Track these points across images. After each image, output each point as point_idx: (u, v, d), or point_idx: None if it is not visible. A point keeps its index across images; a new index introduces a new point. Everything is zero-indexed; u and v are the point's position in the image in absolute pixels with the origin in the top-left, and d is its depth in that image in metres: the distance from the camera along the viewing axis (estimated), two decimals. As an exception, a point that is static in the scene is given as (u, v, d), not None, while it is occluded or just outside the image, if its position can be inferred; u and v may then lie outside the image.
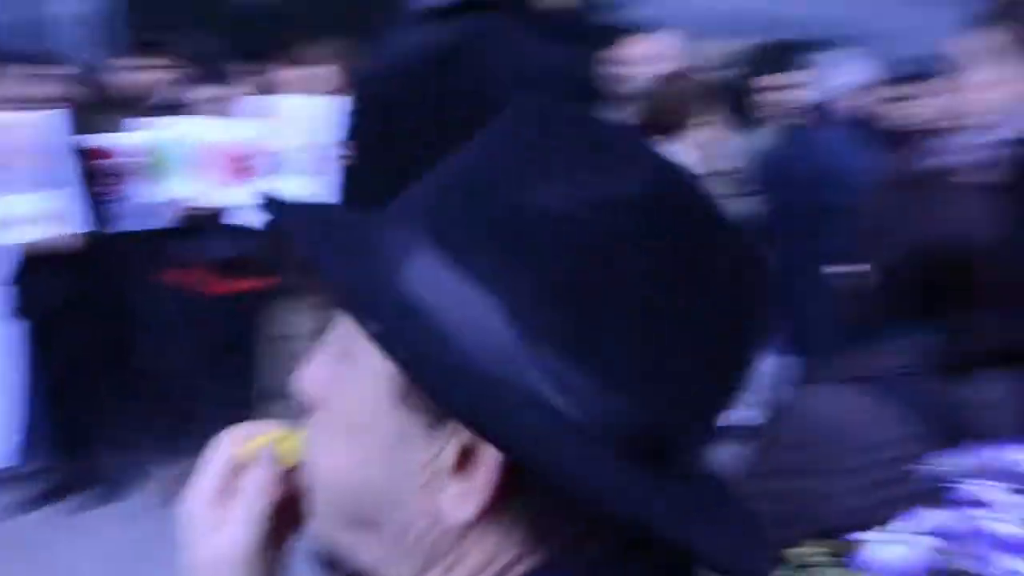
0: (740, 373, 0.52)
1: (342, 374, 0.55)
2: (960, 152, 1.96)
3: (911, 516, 0.96)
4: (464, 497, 0.50)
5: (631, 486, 0.47)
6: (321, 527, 0.59)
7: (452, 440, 0.50)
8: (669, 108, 2.87)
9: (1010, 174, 1.90)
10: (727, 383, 0.51)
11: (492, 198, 0.49)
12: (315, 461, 0.57)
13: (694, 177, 0.51)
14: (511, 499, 0.49)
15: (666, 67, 3.18)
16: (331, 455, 0.55)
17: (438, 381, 0.47)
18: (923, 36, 5.38)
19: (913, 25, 5.57)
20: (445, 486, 0.50)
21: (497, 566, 0.51)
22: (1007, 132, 1.92)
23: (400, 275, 0.50)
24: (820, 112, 3.43)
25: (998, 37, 1.95)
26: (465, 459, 0.50)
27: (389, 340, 0.47)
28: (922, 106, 2.49)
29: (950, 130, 2.01)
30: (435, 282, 0.49)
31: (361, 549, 0.56)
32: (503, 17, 1.62)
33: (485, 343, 0.47)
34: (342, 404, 0.55)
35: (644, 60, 3.21)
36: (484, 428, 0.46)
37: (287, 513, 0.61)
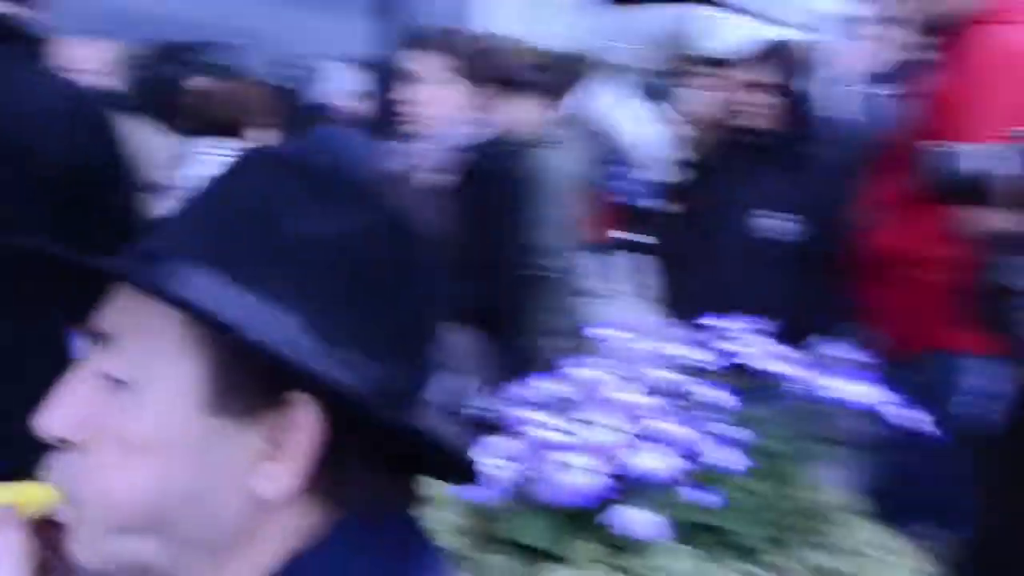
0: (435, 348, 0.70)
1: (122, 401, 0.59)
2: (420, 156, 2.32)
3: (479, 444, 1.21)
4: (277, 477, 0.59)
5: (420, 422, 0.63)
6: (102, 554, 0.60)
7: (261, 430, 0.59)
8: (226, 111, 2.90)
9: (458, 176, 2.31)
10: (431, 356, 0.69)
11: (262, 229, 0.60)
12: (97, 489, 0.59)
13: (398, 207, 0.67)
14: (315, 473, 0.60)
15: (95, 70, 3.11)
16: (122, 478, 0.58)
17: (300, 367, 0.57)
18: (312, 41, 5.87)
19: (308, 29, 6.03)
20: (257, 472, 0.59)
21: (304, 531, 0.61)
22: (454, 141, 2.33)
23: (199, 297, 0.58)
24: (320, 114, 3.64)
25: (435, 58, 2.34)
26: (275, 445, 0.59)
27: (267, 343, 0.56)
28: (399, 112, 2.77)
29: (412, 136, 2.36)
30: (232, 301, 0.58)
31: (157, 557, 0.60)
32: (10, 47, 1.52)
33: (290, 344, 0.58)
34: (130, 427, 0.58)
35: (79, 64, 3.07)
36: (328, 394, 0.58)
37: (44, 566, 0.61)
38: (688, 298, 3.05)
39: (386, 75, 2.77)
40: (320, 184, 0.63)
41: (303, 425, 0.59)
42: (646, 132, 4.23)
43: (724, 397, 1.29)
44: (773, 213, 2.82)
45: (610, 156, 4.46)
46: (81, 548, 0.61)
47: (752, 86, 2.84)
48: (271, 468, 0.59)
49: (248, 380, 0.59)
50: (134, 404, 0.58)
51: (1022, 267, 1.37)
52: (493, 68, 2.45)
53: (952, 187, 1.46)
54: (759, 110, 2.83)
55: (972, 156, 1.44)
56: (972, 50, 2.21)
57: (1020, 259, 1.37)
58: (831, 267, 2.74)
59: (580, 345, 2.80)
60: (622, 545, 1.12)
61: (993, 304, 1.47)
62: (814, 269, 2.78)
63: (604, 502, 1.12)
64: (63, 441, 0.60)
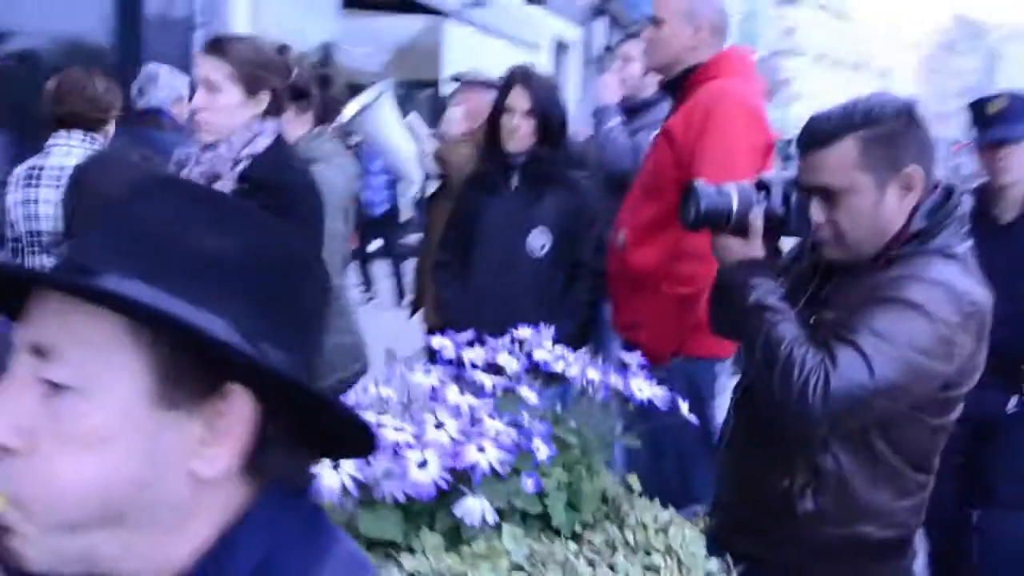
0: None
1: (66, 406, 0.63)
2: (207, 164, 2.28)
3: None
4: (216, 459, 0.67)
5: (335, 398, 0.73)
6: (52, 552, 0.64)
7: (201, 418, 0.66)
8: (78, 105, 2.70)
9: (238, 187, 2.29)
10: (320, 348, 0.78)
11: (176, 247, 0.67)
12: (46, 490, 0.63)
13: (281, 223, 0.75)
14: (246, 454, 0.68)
15: None
16: (72, 476, 0.63)
17: (242, 357, 0.65)
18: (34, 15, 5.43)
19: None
20: (198, 456, 0.66)
21: (233, 507, 0.69)
22: (235, 150, 2.31)
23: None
24: (152, 117, 3.46)
25: (219, 64, 2.32)
26: (213, 430, 0.67)
27: (219, 338, 0.64)
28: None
29: (204, 143, 2.31)
30: (172, 306, 0.64)
31: (106, 546, 0.65)
32: None
33: (228, 339, 0.66)
34: (80, 428, 0.63)
35: None
36: (258, 382, 0.66)
37: None
38: (449, 307, 3.22)
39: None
40: (215, 207, 0.70)
41: (238, 411, 0.67)
42: (402, 144, 4.36)
43: (532, 396, 1.46)
44: (531, 230, 3.04)
45: (371, 167, 4.55)
46: (30, 549, 0.64)
47: (508, 108, 3.03)
48: (210, 452, 0.67)
49: (188, 375, 0.66)
50: (83, 406, 0.63)
51: (770, 287, 1.66)
52: (276, 76, 2.46)
53: (702, 218, 1.72)
54: (515, 131, 3.02)
55: (721, 192, 1.71)
56: (701, 97, 2.57)
57: (766, 279, 1.67)
58: (587, 281, 3.03)
59: (358, 354, 2.85)
60: (463, 533, 1.24)
61: (729, 314, 1.76)
62: (570, 282, 3.05)
63: (444, 494, 1.23)
64: (2, 448, 0.63)
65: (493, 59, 7.41)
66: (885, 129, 1.60)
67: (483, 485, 1.26)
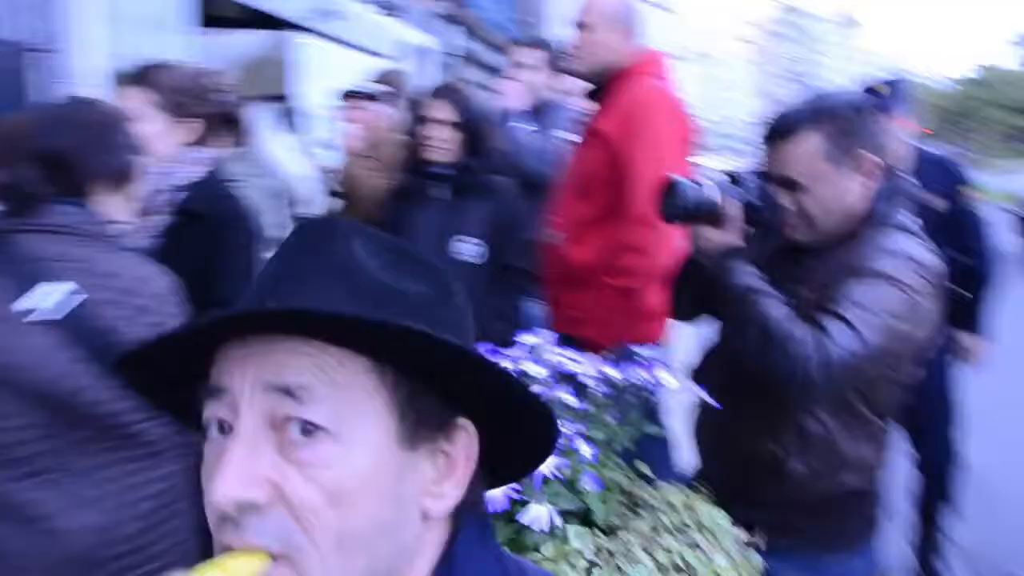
0: None
1: (319, 450, 0.62)
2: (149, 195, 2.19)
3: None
4: (445, 496, 0.68)
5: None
6: None
7: (436, 455, 0.68)
8: None
9: (174, 217, 2.21)
10: None
11: (388, 289, 0.68)
12: (312, 540, 0.62)
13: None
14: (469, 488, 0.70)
15: None
16: (332, 519, 0.62)
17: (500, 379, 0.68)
18: None
19: None
20: (430, 494, 0.68)
21: (443, 542, 0.70)
22: (167, 180, 2.23)
23: None
24: None
25: (139, 93, 2.22)
26: (443, 466, 0.69)
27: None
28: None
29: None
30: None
31: None
32: None
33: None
34: (340, 474, 0.63)
35: None
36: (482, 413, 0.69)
37: None
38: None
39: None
40: (398, 251, 0.72)
41: (465, 445, 0.69)
42: (292, 165, 4.29)
43: (572, 400, 1.50)
44: (461, 238, 3.05)
45: (273, 190, 4.44)
46: None
47: (431, 120, 3.03)
48: (440, 489, 0.68)
49: (426, 414, 0.67)
50: (335, 450, 0.63)
51: (752, 270, 1.76)
52: (204, 103, 2.39)
53: (688, 210, 1.80)
54: (439, 143, 3.03)
55: (701, 186, 1.80)
56: (627, 97, 2.67)
57: (747, 264, 1.76)
58: (517, 282, 3.08)
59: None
60: (526, 539, 1.27)
61: (712, 298, 1.84)
62: (500, 285, 3.09)
63: (513, 504, 1.26)
64: (251, 505, 0.62)
65: (350, 71, 7.31)
66: (843, 122, 1.73)
67: (543, 491, 1.30)
